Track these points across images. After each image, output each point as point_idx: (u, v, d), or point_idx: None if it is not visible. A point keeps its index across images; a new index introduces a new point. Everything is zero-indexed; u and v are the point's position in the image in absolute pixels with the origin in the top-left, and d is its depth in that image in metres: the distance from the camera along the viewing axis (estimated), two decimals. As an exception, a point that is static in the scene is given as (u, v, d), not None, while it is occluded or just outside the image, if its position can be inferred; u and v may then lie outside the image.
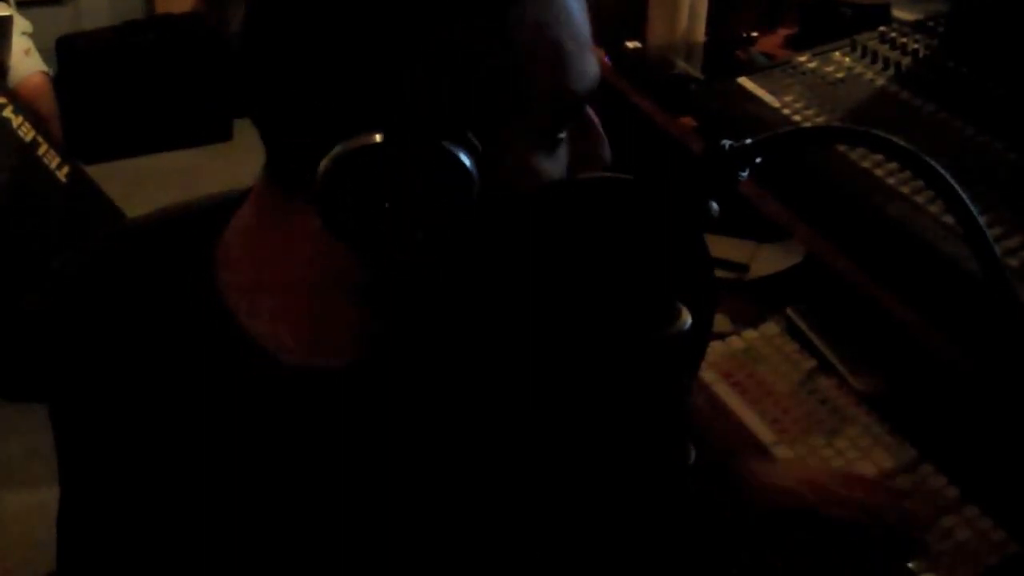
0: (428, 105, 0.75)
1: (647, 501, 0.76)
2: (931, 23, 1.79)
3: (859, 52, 1.80)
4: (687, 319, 0.71)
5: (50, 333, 1.02)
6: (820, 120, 1.66)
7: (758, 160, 0.76)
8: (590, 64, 0.85)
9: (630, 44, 2.24)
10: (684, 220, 0.74)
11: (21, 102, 3.25)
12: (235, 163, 4.21)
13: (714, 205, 0.74)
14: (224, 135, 5.05)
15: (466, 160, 0.74)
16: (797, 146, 0.83)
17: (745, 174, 0.76)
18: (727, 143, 0.76)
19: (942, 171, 0.73)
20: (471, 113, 0.76)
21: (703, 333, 0.78)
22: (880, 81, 1.71)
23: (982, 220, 0.73)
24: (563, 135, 0.84)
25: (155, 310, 0.96)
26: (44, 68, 3.84)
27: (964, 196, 0.72)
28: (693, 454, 0.70)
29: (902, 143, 0.75)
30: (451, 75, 0.75)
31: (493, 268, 0.73)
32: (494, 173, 0.77)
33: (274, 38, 0.80)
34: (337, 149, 0.76)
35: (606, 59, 2.23)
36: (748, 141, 0.76)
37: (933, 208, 1.40)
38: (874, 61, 1.76)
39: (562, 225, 0.72)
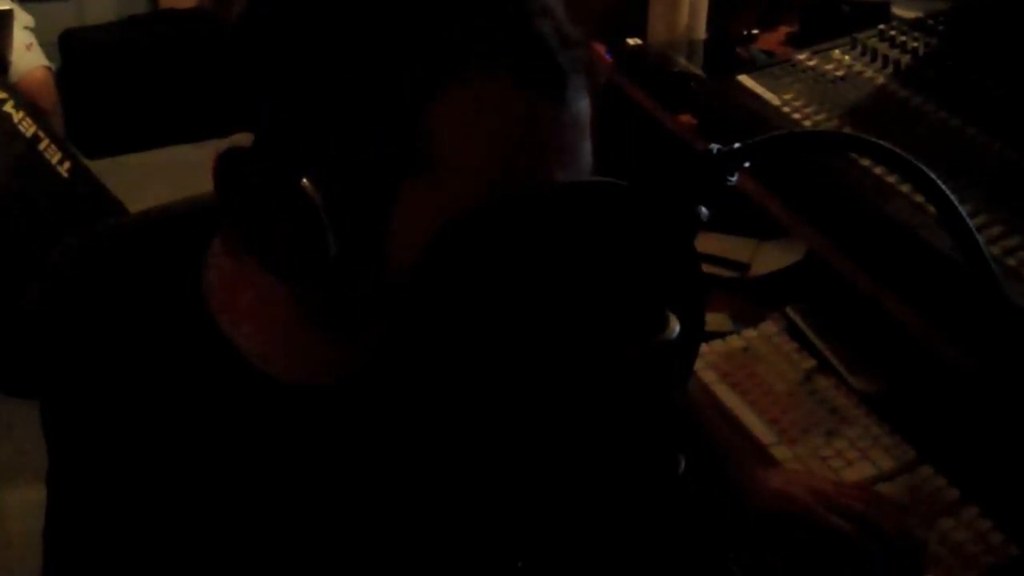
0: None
1: (637, 509, 0.76)
2: (931, 21, 1.78)
3: (859, 50, 1.79)
4: (676, 327, 0.70)
5: (42, 329, 1.02)
6: (820, 118, 1.66)
7: (746, 164, 0.75)
8: None
9: (631, 41, 2.23)
10: (673, 225, 0.73)
11: (22, 97, 3.24)
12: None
13: (703, 210, 0.74)
14: (227, 131, 5.01)
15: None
16: (785, 151, 0.82)
17: (734, 179, 0.75)
18: (715, 147, 0.75)
19: (931, 174, 0.72)
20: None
21: (692, 341, 0.77)
22: (880, 79, 1.70)
23: (973, 221, 0.72)
24: None
25: (145, 310, 0.95)
26: (46, 63, 3.83)
27: (952, 198, 0.71)
28: (683, 463, 0.70)
29: (888, 146, 0.74)
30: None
31: (476, 276, 0.72)
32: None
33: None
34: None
35: (607, 56, 2.22)
36: (736, 145, 0.75)
37: (932, 207, 1.39)
38: (874, 59, 1.75)
39: (547, 230, 0.71)
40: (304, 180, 0.77)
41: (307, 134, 0.79)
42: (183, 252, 0.97)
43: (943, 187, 0.72)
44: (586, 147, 0.83)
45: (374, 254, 0.80)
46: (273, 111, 0.81)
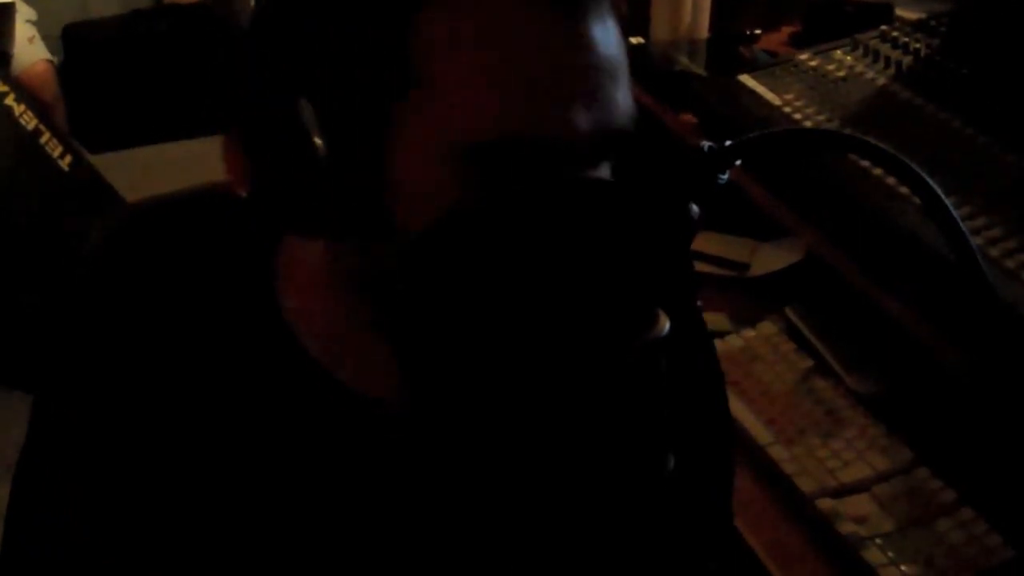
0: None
1: (624, 507, 0.75)
2: (933, 22, 1.78)
3: (861, 51, 1.79)
4: (666, 325, 0.69)
5: (86, 315, 0.96)
6: (821, 118, 1.66)
7: (738, 162, 0.74)
8: (561, 112, 0.74)
9: (633, 40, 2.23)
10: (663, 223, 0.73)
11: (24, 90, 3.24)
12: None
13: (694, 208, 0.73)
14: (229, 126, 5.00)
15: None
16: (777, 148, 0.81)
17: (725, 177, 0.74)
18: (706, 145, 0.74)
19: (921, 173, 0.71)
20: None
21: (692, 339, 0.77)
22: (881, 80, 1.70)
23: (973, 223, 0.71)
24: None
25: (193, 294, 0.91)
26: (48, 56, 3.84)
27: (943, 196, 0.71)
28: (671, 461, 0.69)
29: (880, 145, 0.73)
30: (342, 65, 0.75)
31: (464, 275, 0.71)
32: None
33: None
34: None
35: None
36: (727, 143, 0.74)
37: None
38: (875, 60, 1.75)
39: (537, 227, 0.70)
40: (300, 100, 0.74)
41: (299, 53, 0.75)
42: (219, 232, 0.94)
43: (929, 182, 0.71)
44: (616, 93, 0.78)
45: (374, 193, 0.76)
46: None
